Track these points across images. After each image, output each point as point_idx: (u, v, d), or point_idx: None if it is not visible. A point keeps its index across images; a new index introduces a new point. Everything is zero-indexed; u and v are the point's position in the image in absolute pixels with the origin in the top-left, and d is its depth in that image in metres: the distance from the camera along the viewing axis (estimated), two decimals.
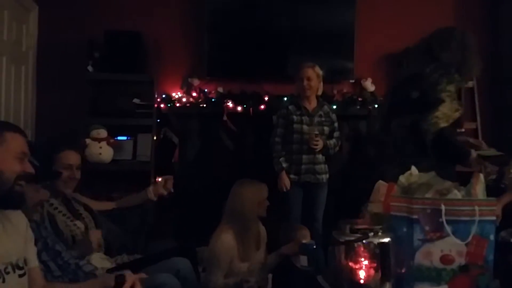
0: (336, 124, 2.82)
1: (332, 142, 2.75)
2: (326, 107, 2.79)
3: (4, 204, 1.20)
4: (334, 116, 2.81)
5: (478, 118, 3.31)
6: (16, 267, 1.20)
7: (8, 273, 1.17)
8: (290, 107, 2.73)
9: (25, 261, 1.25)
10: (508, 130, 3.33)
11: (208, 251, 1.99)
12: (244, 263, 1.99)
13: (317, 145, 2.64)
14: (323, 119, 2.74)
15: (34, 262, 1.31)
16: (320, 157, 2.69)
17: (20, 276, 1.21)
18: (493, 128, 3.40)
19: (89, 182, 2.74)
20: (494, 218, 1.31)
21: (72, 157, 1.89)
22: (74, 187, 1.92)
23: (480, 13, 3.51)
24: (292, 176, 2.66)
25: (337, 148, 2.81)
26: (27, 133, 3.03)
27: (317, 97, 2.77)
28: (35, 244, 1.47)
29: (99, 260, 1.82)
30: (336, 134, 2.81)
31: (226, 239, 1.96)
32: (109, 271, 1.71)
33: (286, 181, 2.64)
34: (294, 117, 2.70)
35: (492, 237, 1.30)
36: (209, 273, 1.96)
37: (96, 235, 1.84)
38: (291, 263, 1.97)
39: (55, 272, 1.50)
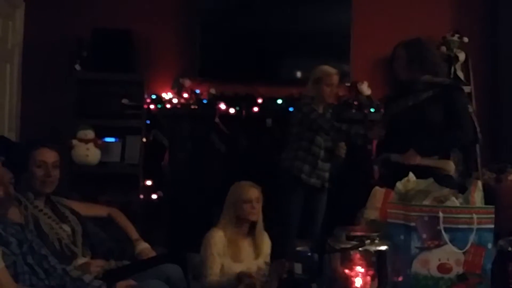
0: None
1: None
2: (329, 112, 2.76)
3: None
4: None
5: (476, 124, 3.31)
6: None
7: None
8: (313, 107, 2.62)
9: None
10: (506, 136, 3.36)
11: (201, 249, 1.99)
12: (237, 263, 1.97)
13: (343, 153, 2.63)
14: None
15: None
16: (329, 164, 2.67)
17: None
18: (491, 133, 3.42)
19: (75, 184, 2.68)
20: (492, 226, 1.30)
21: (46, 154, 1.81)
22: (54, 187, 1.85)
23: (479, 17, 3.51)
24: (304, 176, 2.57)
25: None
26: (11, 134, 2.97)
27: None
28: (21, 246, 1.41)
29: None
30: None
31: (215, 234, 1.97)
32: (97, 277, 1.66)
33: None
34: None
35: (490, 245, 1.30)
36: (203, 270, 1.95)
37: (98, 264, 1.76)
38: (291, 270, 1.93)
39: (40, 275, 1.45)
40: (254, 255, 2.03)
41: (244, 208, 1.98)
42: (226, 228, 1.98)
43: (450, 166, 1.97)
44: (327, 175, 2.67)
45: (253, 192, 2.01)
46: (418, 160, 1.92)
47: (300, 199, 2.59)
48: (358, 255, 1.33)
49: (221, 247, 1.95)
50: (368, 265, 1.33)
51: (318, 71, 2.67)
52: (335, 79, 2.65)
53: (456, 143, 2.06)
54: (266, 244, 2.08)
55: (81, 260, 1.77)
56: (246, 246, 2.02)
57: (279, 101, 3.11)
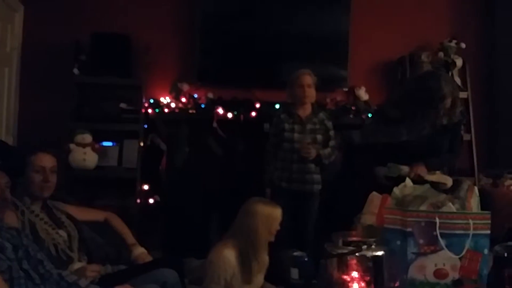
0: (331, 133, 2.75)
1: (326, 151, 2.68)
2: (321, 115, 2.74)
3: None
4: (330, 124, 2.75)
5: (473, 129, 3.32)
6: None
7: None
8: (282, 116, 2.68)
9: None
10: (503, 141, 3.37)
11: (207, 264, 1.89)
12: (246, 285, 1.88)
13: (309, 153, 2.61)
14: (317, 127, 2.69)
15: None
16: (312, 166, 2.64)
17: None
18: (488, 139, 3.43)
19: (72, 189, 2.67)
20: (488, 232, 1.30)
21: (45, 160, 1.82)
22: (51, 192, 1.85)
23: (476, 23, 3.54)
24: (283, 183, 2.61)
25: (333, 158, 2.73)
26: (8, 138, 2.96)
27: (312, 104, 2.73)
28: (16, 251, 1.41)
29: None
30: (331, 143, 2.73)
31: (227, 256, 1.84)
32: (93, 282, 1.65)
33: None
34: (286, 125, 2.65)
35: (486, 251, 1.30)
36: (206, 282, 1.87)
37: (94, 269, 1.75)
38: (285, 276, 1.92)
39: (36, 280, 1.44)
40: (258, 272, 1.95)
41: (275, 231, 1.88)
42: (241, 245, 1.85)
43: (450, 182, 2.03)
44: (315, 177, 2.64)
45: (281, 214, 1.92)
46: (425, 175, 1.97)
47: (290, 206, 2.53)
48: (354, 261, 1.33)
49: (231, 272, 1.84)
50: (364, 271, 1.32)
51: (291, 76, 2.70)
52: (306, 79, 2.64)
53: (451, 164, 2.42)
54: (266, 260, 1.98)
55: (77, 265, 1.76)
56: (256, 268, 1.89)
57: (277, 106, 3.10)
